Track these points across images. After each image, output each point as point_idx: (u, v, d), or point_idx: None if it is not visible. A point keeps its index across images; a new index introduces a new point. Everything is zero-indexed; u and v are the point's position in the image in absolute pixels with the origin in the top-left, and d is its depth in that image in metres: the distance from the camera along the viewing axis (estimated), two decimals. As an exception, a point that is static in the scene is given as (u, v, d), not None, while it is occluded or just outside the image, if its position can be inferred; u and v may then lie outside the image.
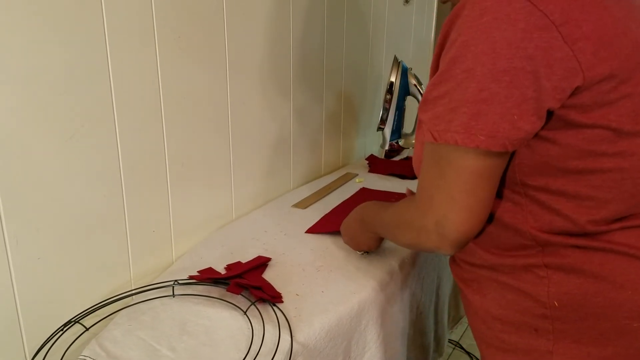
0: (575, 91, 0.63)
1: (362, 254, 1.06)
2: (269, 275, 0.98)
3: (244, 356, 0.76)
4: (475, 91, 0.62)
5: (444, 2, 0.83)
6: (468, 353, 1.87)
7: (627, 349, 0.69)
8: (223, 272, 0.97)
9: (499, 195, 0.73)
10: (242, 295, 0.89)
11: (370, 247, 1.02)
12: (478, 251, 0.79)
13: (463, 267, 0.83)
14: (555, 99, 0.63)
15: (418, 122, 0.76)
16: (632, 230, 0.69)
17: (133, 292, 0.92)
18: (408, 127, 1.77)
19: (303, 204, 1.32)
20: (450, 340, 1.88)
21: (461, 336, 1.96)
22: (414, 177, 1.52)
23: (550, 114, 0.65)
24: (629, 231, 0.69)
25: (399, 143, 1.75)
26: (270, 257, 1.03)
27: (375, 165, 1.65)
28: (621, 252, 0.68)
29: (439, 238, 0.69)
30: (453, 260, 0.87)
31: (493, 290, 0.78)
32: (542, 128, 0.65)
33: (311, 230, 1.16)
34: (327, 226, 1.17)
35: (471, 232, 0.68)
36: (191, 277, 0.95)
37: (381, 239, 1.00)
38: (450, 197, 0.66)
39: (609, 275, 0.68)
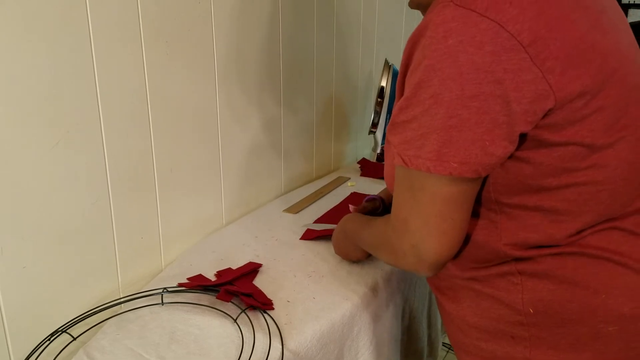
0: (548, 112, 0.62)
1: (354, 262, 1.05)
2: (259, 281, 0.97)
3: (234, 365, 0.75)
4: (444, 118, 0.61)
5: (412, 8, 0.82)
6: (462, 356, 1.86)
7: (603, 353, 0.68)
8: (213, 279, 0.96)
9: (474, 214, 0.72)
10: (233, 302, 0.88)
11: (359, 257, 1.01)
12: (451, 267, 0.78)
13: (438, 275, 0.82)
14: (526, 122, 0.62)
15: (386, 140, 0.75)
16: (602, 233, 0.68)
17: (121, 300, 0.91)
18: (399, 130, 1.76)
19: (294, 209, 1.31)
20: (443, 344, 1.87)
21: (455, 339, 1.96)
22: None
23: (522, 136, 0.64)
24: (599, 234, 0.68)
25: (391, 146, 1.74)
26: (261, 263, 1.02)
27: (367, 168, 1.64)
28: (593, 256, 0.68)
29: (416, 261, 0.69)
30: None
31: (468, 298, 0.77)
32: (516, 149, 0.65)
33: (305, 237, 1.15)
34: (319, 230, 1.16)
35: (448, 255, 0.68)
36: (180, 285, 0.94)
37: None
38: (424, 221, 0.66)
39: (582, 280, 0.68)
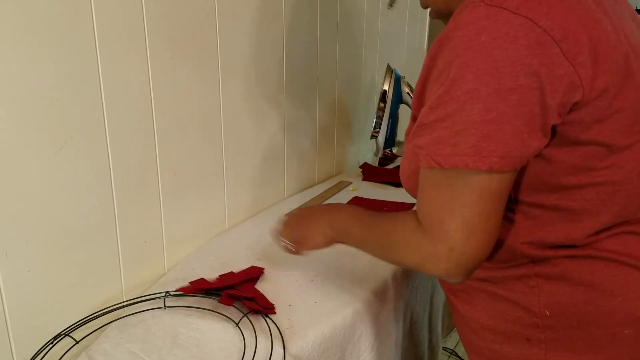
0: (574, 107, 0.62)
1: (286, 248, 0.93)
2: (261, 286, 0.97)
3: (236, 369, 0.76)
4: (481, 112, 0.61)
5: (425, 8, 0.82)
6: (463, 361, 1.86)
7: (619, 355, 0.69)
8: (215, 283, 0.96)
9: None
10: (235, 306, 0.88)
11: (318, 245, 0.89)
12: None
13: None
14: (558, 115, 0.62)
15: (407, 142, 0.74)
16: (619, 236, 0.69)
17: (124, 304, 0.91)
18: (401, 135, 1.76)
19: (296, 213, 1.31)
20: (445, 348, 1.87)
21: (456, 344, 1.96)
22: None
23: (552, 130, 0.64)
24: (616, 238, 0.69)
25: (393, 151, 1.74)
26: (263, 267, 1.03)
27: (369, 173, 1.65)
28: (610, 259, 0.68)
29: (451, 265, 0.64)
30: None
31: (483, 300, 0.77)
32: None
33: None
34: None
35: (485, 256, 0.65)
36: (182, 289, 0.94)
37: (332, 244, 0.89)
38: (467, 221, 0.63)
39: (599, 283, 0.68)
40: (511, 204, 0.71)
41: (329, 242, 0.87)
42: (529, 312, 0.72)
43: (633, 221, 0.70)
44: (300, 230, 0.91)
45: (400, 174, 0.79)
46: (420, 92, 0.70)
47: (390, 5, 1.75)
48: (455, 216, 0.63)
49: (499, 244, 0.73)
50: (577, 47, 0.61)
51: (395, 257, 0.75)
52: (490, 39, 0.60)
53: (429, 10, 0.82)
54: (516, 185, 0.69)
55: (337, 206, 0.92)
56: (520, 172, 0.67)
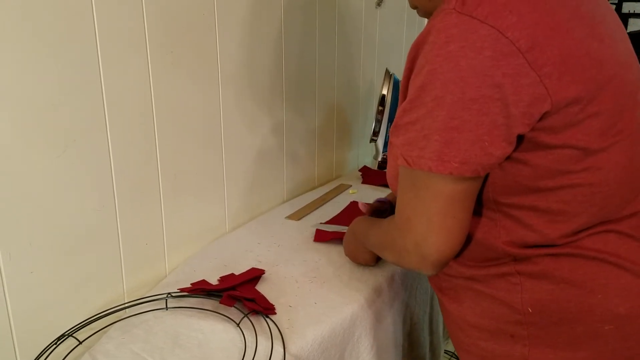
0: (544, 115, 0.64)
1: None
2: (262, 287, 0.98)
3: (236, 368, 0.76)
4: (445, 119, 0.63)
5: (414, 8, 0.84)
6: (463, 363, 1.86)
7: (600, 352, 0.70)
8: (216, 284, 0.97)
9: (474, 212, 0.74)
10: (235, 307, 0.89)
11: (367, 261, 1.03)
12: (453, 265, 0.80)
13: (440, 275, 0.84)
14: (524, 125, 0.64)
15: (390, 143, 0.77)
16: (599, 235, 0.70)
17: (126, 305, 0.92)
18: (401, 138, 1.77)
19: (297, 216, 1.33)
20: (446, 351, 1.88)
21: (456, 347, 1.96)
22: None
23: (520, 138, 0.66)
24: (596, 236, 0.70)
25: (392, 154, 1.75)
26: (263, 269, 1.04)
27: (368, 176, 1.66)
28: (590, 257, 0.70)
29: (419, 259, 0.70)
30: None
31: (469, 298, 0.79)
32: (513, 151, 0.67)
33: (318, 239, 1.18)
34: (332, 232, 1.19)
35: (451, 252, 0.69)
36: (184, 290, 0.95)
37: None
38: (427, 219, 0.68)
39: (579, 281, 0.69)
40: (491, 205, 0.73)
41: (369, 252, 1.00)
42: (512, 309, 0.73)
43: (612, 220, 0.71)
44: (350, 253, 1.05)
45: (387, 176, 0.81)
46: (404, 94, 0.73)
47: (378, 4, 1.76)
48: (417, 214, 0.69)
49: (481, 243, 0.74)
50: (544, 58, 0.62)
51: (387, 256, 0.82)
52: (457, 48, 0.62)
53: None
54: (495, 188, 0.71)
55: (355, 221, 1.02)
56: (499, 175, 0.69)
